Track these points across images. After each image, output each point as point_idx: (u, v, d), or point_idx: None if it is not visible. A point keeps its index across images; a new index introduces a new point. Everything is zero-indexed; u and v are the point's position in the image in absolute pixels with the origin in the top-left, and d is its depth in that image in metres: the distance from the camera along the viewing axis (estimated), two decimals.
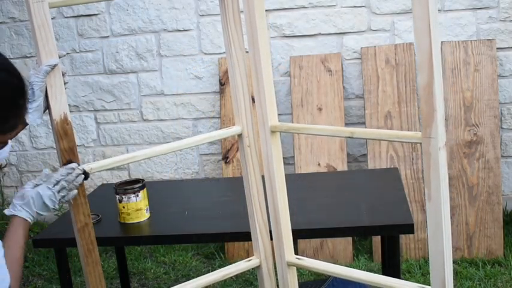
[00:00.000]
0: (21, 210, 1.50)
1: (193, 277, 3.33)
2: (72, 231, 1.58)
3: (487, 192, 3.39)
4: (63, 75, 1.50)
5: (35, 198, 1.50)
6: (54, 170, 1.59)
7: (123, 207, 2.31)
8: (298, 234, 1.98)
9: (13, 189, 4.23)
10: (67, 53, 3.92)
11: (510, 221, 3.61)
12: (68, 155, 1.52)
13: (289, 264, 1.77)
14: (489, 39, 3.47)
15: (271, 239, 1.81)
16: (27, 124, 1.47)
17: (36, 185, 1.52)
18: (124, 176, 4.03)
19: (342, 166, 3.51)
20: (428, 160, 1.34)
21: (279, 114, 1.73)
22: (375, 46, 3.58)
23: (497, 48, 3.49)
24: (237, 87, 1.74)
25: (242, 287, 3.25)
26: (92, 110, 4.01)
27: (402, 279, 2.86)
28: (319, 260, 3.25)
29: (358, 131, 1.56)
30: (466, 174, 3.41)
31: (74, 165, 1.52)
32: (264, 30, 1.65)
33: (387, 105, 3.51)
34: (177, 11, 3.79)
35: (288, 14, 3.69)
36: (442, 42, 3.49)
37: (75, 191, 1.53)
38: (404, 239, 3.37)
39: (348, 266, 3.27)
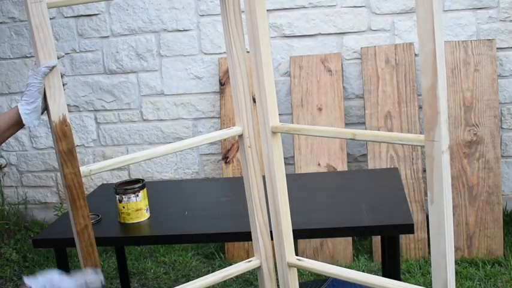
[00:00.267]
0: None
1: (193, 277, 3.34)
2: (72, 231, 1.58)
3: (487, 192, 3.39)
4: (62, 76, 1.49)
5: None
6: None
7: (123, 207, 2.31)
8: (298, 234, 1.97)
9: (13, 189, 4.22)
10: (67, 53, 3.92)
11: (510, 221, 3.60)
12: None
13: (290, 266, 1.77)
14: (489, 39, 3.47)
15: (272, 239, 1.81)
16: None
17: None
18: (124, 176, 4.03)
19: (342, 166, 3.51)
20: (431, 163, 1.31)
21: (279, 114, 1.73)
22: (375, 46, 3.58)
23: (497, 48, 3.49)
24: (237, 88, 1.73)
25: (242, 287, 3.25)
26: (91, 110, 4.01)
27: (402, 279, 2.86)
28: (319, 260, 3.26)
29: (360, 133, 1.54)
30: (466, 174, 3.41)
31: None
32: (265, 30, 1.64)
33: (387, 105, 3.51)
34: (177, 11, 3.79)
35: (288, 14, 3.69)
36: None
37: None
38: (404, 239, 3.37)
39: (348, 266, 3.28)
